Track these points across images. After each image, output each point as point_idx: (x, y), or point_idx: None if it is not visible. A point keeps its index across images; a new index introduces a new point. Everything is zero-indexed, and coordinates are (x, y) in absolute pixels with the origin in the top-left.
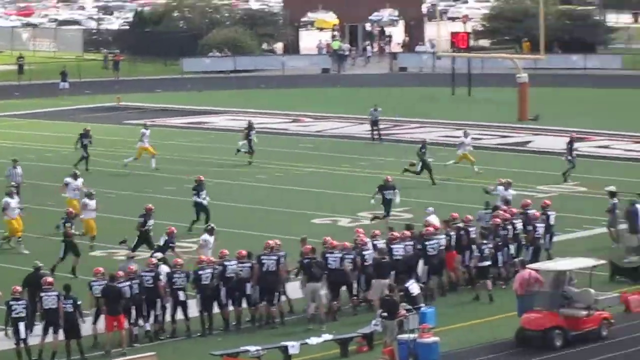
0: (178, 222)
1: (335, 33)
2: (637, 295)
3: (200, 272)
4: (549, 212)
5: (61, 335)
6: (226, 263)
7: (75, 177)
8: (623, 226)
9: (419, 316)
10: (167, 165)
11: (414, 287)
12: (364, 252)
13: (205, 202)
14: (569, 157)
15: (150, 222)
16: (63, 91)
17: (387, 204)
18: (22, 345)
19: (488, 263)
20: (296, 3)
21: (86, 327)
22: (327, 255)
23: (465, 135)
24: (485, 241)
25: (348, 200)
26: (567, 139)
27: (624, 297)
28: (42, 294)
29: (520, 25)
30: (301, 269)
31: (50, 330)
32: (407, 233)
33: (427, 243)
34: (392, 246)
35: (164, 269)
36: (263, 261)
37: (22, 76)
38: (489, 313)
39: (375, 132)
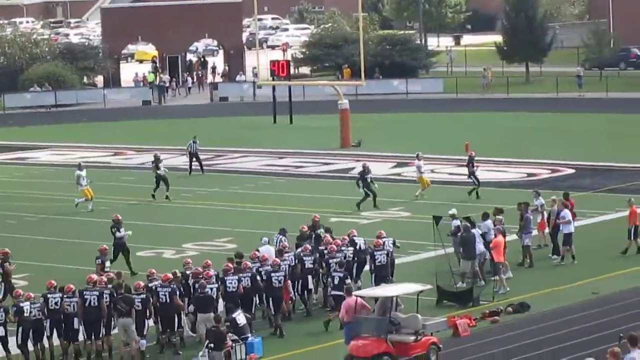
0: None
1: (154, 65)
2: (465, 319)
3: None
4: (356, 239)
5: None
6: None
7: None
8: (450, 250)
9: (245, 346)
10: None
11: (240, 317)
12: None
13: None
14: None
15: None
16: None
17: None
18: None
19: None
20: (116, 36)
21: None
22: (159, 289)
23: (419, 158)
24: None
25: (172, 232)
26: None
27: (451, 322)
28: None
29: (340, 51)
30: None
31: None
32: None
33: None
34: (225, 278)
35: None
36: (85, 296)
37: None
38: (318, 341)
39: (195, 164)
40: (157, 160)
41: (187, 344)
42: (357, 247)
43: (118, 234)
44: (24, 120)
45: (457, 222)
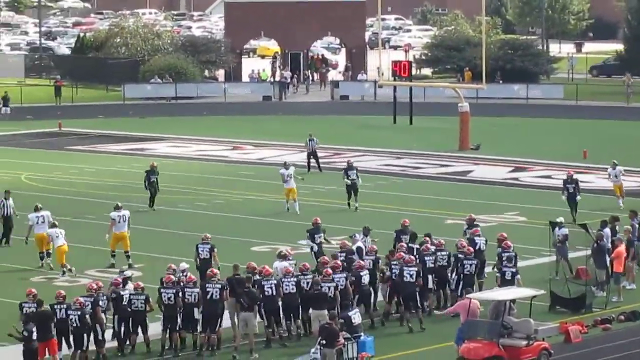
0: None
1: (273, 61)
2: (577, 325)
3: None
4: (477, 239)
5: None
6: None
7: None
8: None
9: (357, 345)
10: (108, 192)
11: (356, 316)
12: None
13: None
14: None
15: None
16: (4, 116)
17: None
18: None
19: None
20: (238, 30)
21: None
22: (263, 283)
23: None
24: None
25: (287, 228)
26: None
27: (563, 328)
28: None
29: (462, 54)
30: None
31: None
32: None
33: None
34: (334, 276)
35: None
36: (208, 289)
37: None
38: (427, 342)
39: (313, 162)
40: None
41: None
42: (477, 247)
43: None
44: (144, 111)
45: (565, 231)
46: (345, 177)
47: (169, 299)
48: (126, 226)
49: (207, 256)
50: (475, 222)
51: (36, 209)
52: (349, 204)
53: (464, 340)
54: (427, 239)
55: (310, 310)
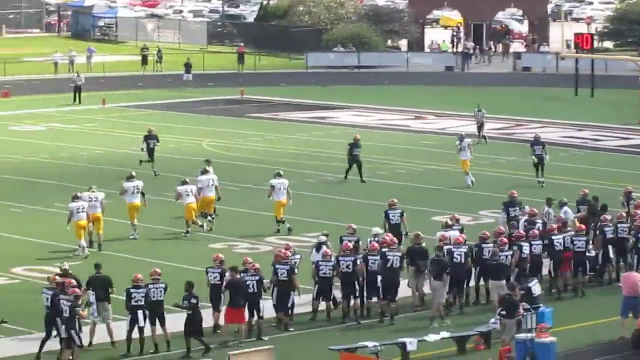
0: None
1: (453, 32)
2: None
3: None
4: None
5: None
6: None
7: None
8: None
9: (536, 316)
10: (291, 159)
11: (536, 287)
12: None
13: None
14: None
15: None
16: (187, 83)
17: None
18: (135, 334)
19: None
20: (422, 0)
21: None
22: (453, 250)
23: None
24: None
25: (468, 198)
26: None
27: None
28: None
29: None
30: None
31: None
32: (536, 232)
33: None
34: (521, 244)
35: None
36: (388, 257)
37: (145, 67)
38: (607, 314)
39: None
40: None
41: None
42: None
43: None
44: (326, 79)
45: None
46: (532, 153)
47: (347, 266)
48: (139, 197)
49: (397, 221)
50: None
51: (129, 178)
52: (538, 179)
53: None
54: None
55: (489, 281)
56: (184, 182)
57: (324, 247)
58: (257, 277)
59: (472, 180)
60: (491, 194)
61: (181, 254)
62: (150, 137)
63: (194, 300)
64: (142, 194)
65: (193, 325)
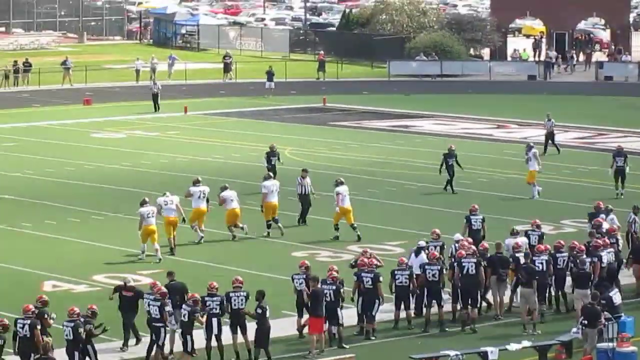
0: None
1: (535, 41)
2: None
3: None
4: None
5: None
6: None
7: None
8: None
9: (618, 325)
10: (373, 168)
11: (616, 296)
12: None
13: None
14: None
15: None
16: (269, 91)
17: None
18: (214, 342)
19: None
20: (504, 9)
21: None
22: (534, 258)
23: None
24: None
25: (550, 207)
26: None
27: None
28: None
29: None
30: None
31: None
32: (607, 241)
33: None
34: (600, 254)
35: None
36: (463, 264)
37: (227, 74)
38: None
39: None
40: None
41: None
42: None
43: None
44: (409, 88)
45: None
46: (613, 164)
47: (432, 275)
48: (204, 202)
49: (479, 227)
50: None
51: (196, 183)
52: (616, 191)
53: None
54: None
55: (574, 290)
56: (225, 188)
57: (423, 253)
58: (334, 286)
59: (538, 190)
60: (573, 203)
61: (261, 261)
62: (272, 154)
63: (259, 310)
64: (207, 199)
65: (258, 334)
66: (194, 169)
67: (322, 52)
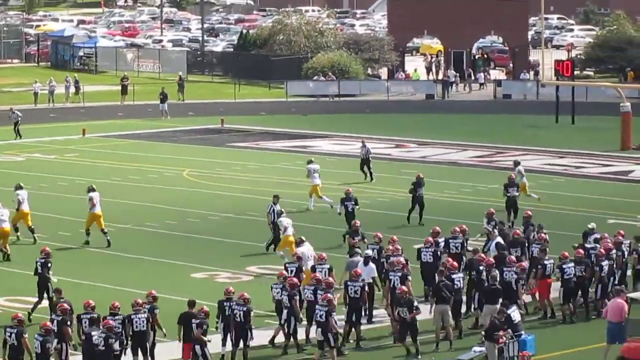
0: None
1: (430, 60)
2: None
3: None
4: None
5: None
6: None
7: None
8: None
9: (519, 343)
10: (273, 189)
11: (515, 313)
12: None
13: None
14: None
15: None
16: (162, 112)
17: None
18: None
19: None
20: (401, 28)
21: None
22: (452, 276)
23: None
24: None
25: (449, 226)
26: None
27: None
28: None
29: (625, 54)
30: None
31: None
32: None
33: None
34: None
35: None
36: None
37: (125, 97)
38: (588, 341)
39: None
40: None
41: None
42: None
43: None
44: (307, 108)
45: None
46: (505, 194)
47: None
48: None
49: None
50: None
51: (90, 190)
52: (511, 222)
53: (615, 340)
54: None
55: (484, 305)
56: (19, 187)
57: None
58: (245, 307)
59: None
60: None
61: (161, 283)
62: (347, 199)
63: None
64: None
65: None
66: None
67: (180, 73)
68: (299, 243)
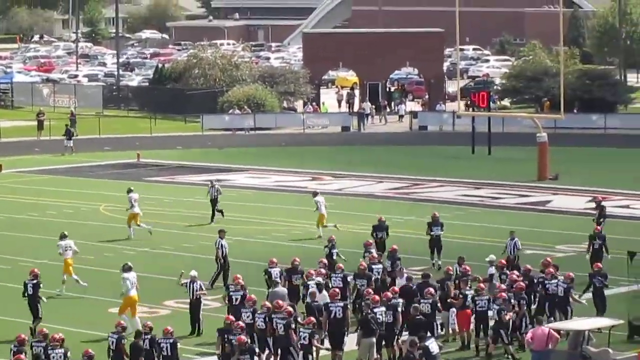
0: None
1: (348, 92)
2: None
3: None
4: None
5: None
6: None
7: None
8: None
9: None
10: (186, 222)
11: (433, 345)
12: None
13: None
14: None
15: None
16: (67, 149)
17: None
18: None
19: None
20: (317, 61)
21: None
22: (375, 310)
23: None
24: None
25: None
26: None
27: None
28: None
29: (540, 84)
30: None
31: None
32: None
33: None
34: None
35: None
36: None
37: (41, 132)
38: None
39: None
40: None
41: None
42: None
43: None
44: (223, 142)
45: (492, 270)
46: (428, 232)
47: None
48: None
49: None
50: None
51: (62, 237)
52: (433, 262)
53: None
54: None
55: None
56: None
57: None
58: (171, 340)
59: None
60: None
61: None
62: (379, 228)
63: None
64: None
65: None
66: (8, 227)
67: (41, 109)
68: (127, 270)
